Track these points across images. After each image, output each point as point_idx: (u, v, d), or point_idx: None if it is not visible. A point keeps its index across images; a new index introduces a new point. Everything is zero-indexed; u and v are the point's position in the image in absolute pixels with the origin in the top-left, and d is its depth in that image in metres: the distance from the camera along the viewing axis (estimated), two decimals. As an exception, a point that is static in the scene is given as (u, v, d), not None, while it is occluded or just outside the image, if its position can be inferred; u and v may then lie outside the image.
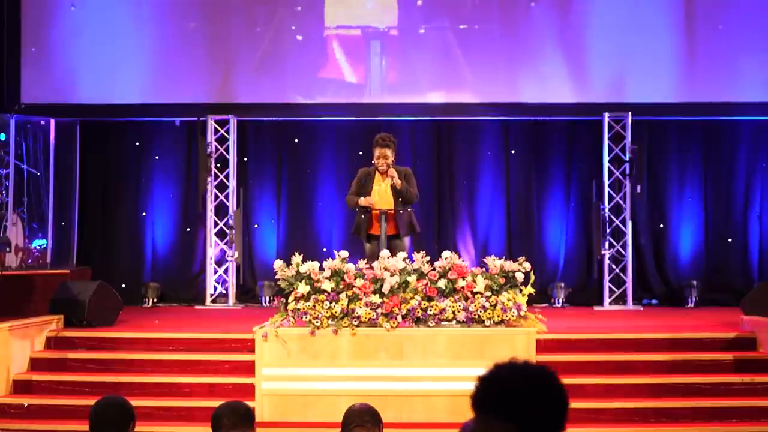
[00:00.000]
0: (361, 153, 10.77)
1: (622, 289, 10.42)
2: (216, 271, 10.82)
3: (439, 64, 10.67)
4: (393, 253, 7.00)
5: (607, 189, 10.50)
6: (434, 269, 6.81)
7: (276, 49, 10.75)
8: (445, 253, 6.91)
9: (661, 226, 10.90)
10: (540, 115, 10.72)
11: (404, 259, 6.86)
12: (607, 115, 10.48)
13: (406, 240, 7.66)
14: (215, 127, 10.82)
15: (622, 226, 10.55)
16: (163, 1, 10.91)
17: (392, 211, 7.49)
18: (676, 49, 10.49)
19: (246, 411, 3.70)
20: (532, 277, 6.93)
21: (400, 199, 7.54)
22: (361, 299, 6.73)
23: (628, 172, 10.39)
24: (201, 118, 10.68)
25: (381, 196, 7.58)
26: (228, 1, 10.82)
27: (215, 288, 10.80)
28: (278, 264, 6.93)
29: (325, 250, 10.26)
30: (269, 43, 10.77)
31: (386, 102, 10.70)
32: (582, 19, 10.58)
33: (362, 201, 7.53)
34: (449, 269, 6.78)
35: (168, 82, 10.83)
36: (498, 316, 6.68)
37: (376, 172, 7.65)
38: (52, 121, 10.72)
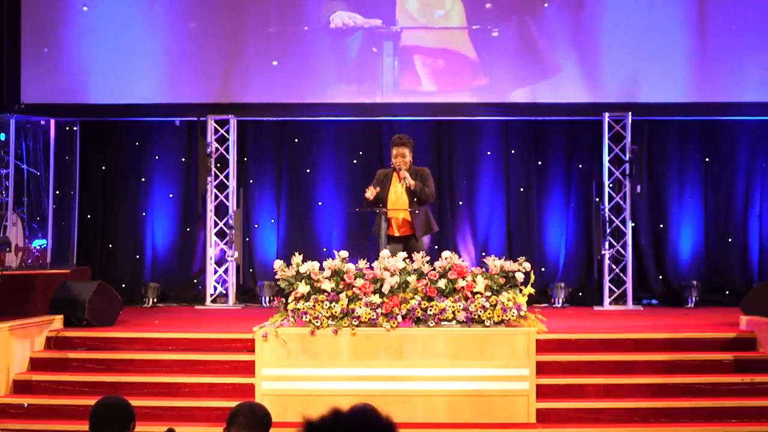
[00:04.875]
0: (361, 153, 10.79)
1: (622, 289, 10.42)
2: (216, 271, 10.82)
3: (444, 64, 10.67)
4: (410, 254, 7.00)
5: (607, 189, 10.50)
6: (434, 269, 6.81)
7: (276, 48, 10.75)
8: (445, 253, 6.91)
9: (661, 226, 10.90)
10: (540, 115, 10.72)
11: (404, 259, 6.86)
12: (607, 115, 10.48)
13: (425, 240, 7.67)
14: (215, 127, 10.83)
15: (622, 226, 10.55)
16: (164, 2, 10.91)
17: (405, 213, 7.51)
18: (680, 49, 10.48)
19: (264, 416, 3.69)
20: (532, 277, 6.93)
21: (415, 199, 7.56)
22: (361, 299, 6.73)
23: (628, 172, 10.39)
24: (201, 118, 10.69)
25: (397, 197, 7.64)
26: (229, 1, 10.82)
27: (215, 288, 10.80)
28: (278, 264, 6.93)
29: (325, 250, 10.27)
30: (270, 43, 10.77)
31: (387, 102, 10.70)
32: (588, 21, 10.57)
33: (367, 194, 7.54)
34: (449, 269, 6.78)
35: (168, 81, 10.84)
36: (498, 316, 6.68)
37: (394, 173, 7.69)
38: (52, 121, 10.72)
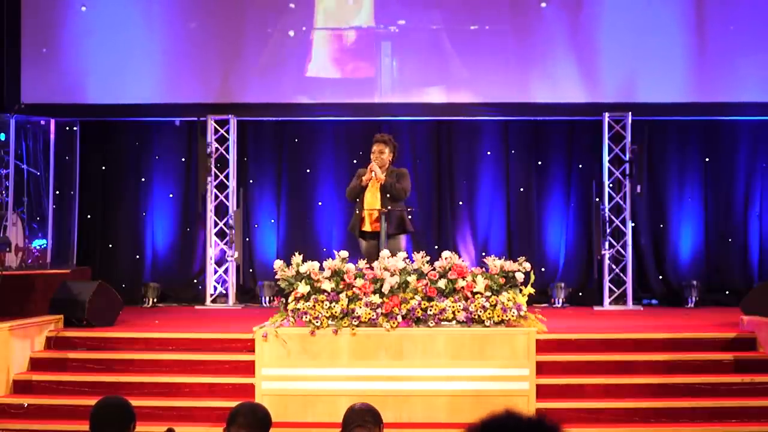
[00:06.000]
0: (361, 153, 10.76)
1: (622, 289, 10.42)
2: (216, 271, 10.82)
3: (443, 64, 10.66)
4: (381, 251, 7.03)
5: (607, 189, 10.50)
6: (434, 269, 6.80)
7: (276, 49, 10.75)
8: (445, 253, 6.91)
9: (661, 226, 10.90)
10: (540, 115, 10.73)
11: (404, 259, 6.86)
12: (607, 115, 10.48)
13: (402, 239, 7.66)
14: (215, 127, 10.83)
15: (622, 226, 10.55)
16: (163, 2, 10.91)
17: (383, 209, 7.53)
18: (679, 49, 10.49)
19: (264, 416, 3.68)
20: (532, 277, 6.92)
21: (387, 195, 7.57)
22: (361, 299, 6.73)
23: (628, 172, 10.39)
24: (201, 118, 10.69)
25: (372, 193, 7.66)
26: (229, 1, 10.82)
27: (215, 288, 10.80)
28: (278, 264, 6.93)
29: (325, 250, 10.27)
30: (269, 44, 10.77)
31: (387, 102, 10.71)
32: (587, 21, 10.58)
33: (365, 178, 7.58)
34: (449, 269, 6.77)
35: (168, 81, 10.84)
36: (498, 316, 6.67)
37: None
38: (52, 121, 10.72)
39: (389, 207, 7.52)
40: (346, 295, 6.75)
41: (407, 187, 7.74)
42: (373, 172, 7.62)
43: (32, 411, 6.86)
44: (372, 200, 7.63)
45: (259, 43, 10.78)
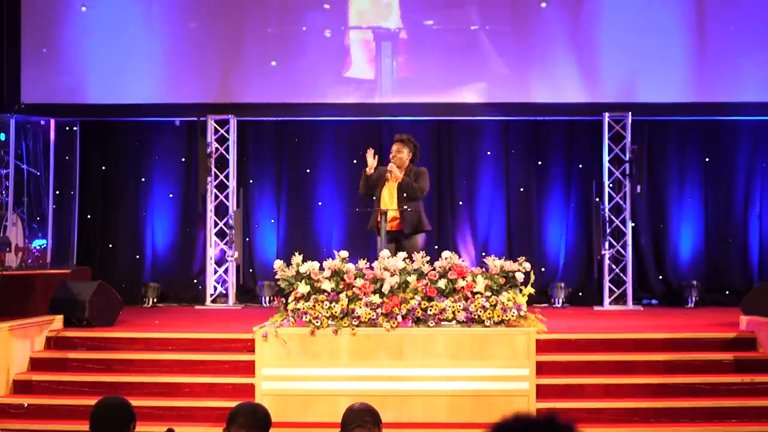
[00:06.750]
0: (361, 153, 10.76)
1: (622, 289, 10.42)
2: (216, 271, 10.83)
3: (444, 65, 10.66)
4: (403, 250, 7.05)
5: (607, 189, 10.51)
6: (434, 269, 6.80)
7: (275, 49, 10.75)
8: (445, 253, 6.91)
9: (661, 226, 10.91)
10: (540, 115, 10.73)
11: (404, 259, 6.86)
12: (607, 115, 10.48)
13: (419, 238, 7.67)
14: (215, 127, 10.83)
15: (622, 226, 10.56)
16: (163, 2, 10.91)
17: (397, 209, 7.55)
18: (679, 49, 10.49)
19: (264, 416, 3.68)
20: (532, 277, 6.92)
21: (404, 195, 7.59)
22: (361, 299, 6.73)
23: (628, 172, 10.39)
24: (201, 118, 10.69)
25: (390, 193, 7.68)
26: (229, 1, 10.82)
27: (215, 288, 10.81)
28: (278, 264, 6.93)
29: (325, 250, 10.27)
30: (270, 44, 10.77)
31: (387, 102, 10.71)
32: (587, 21, 10.58)
33: (369, 161, 7.66)
34: (449, 269, 6.77)
35: (168, 81, 10.84)
36: (498, 316, 6.67)
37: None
38: (52, 121, 10.72)
39: (406, 207, 7.55)
40: (346, 295, 6.75)
41: (424, 186, 7.75)
42: (390, 172, 7.64)
43: (32, 411, 6.86)
44: (389, 200, 7.65)
45: (259, 43, 10.78)
